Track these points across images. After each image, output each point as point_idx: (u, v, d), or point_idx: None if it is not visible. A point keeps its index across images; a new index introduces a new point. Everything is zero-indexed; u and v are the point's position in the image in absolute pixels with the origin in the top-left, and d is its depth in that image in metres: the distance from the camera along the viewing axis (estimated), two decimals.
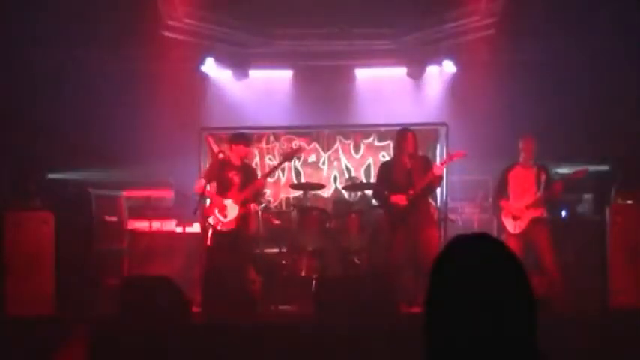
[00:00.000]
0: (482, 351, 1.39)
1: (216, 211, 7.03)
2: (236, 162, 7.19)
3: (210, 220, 7.03)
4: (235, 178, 7.10)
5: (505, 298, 1.41)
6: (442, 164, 7.13)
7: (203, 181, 7.04)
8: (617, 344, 5.68)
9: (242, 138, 7.27)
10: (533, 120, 8.15)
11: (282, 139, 9.13)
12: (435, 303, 1.46)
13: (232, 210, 7.02)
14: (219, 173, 7.12)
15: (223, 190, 7.11)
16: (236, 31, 9.16)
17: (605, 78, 8.30)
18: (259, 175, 7.78)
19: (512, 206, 7.07)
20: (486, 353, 1.39)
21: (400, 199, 6.80)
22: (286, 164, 9.10)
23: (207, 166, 7.31)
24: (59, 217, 7.02)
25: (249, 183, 7.11)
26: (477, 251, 1.47)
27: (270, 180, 9.15)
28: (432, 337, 1.44)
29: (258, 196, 7.45)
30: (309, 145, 9.15)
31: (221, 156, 7.25)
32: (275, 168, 8.05)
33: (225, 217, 7.00)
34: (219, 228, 7.00)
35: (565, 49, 8.73)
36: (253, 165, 8.93)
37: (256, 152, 9.16)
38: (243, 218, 7.11)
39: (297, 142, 9.09)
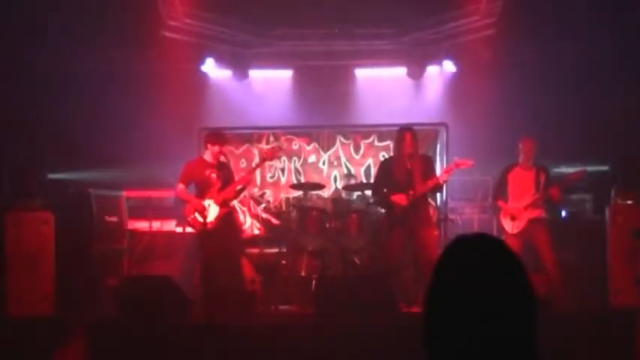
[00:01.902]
0: (483, 351, 1.39)
1: (196, 212, 6.86)
2: (214, 161, 7.01)
3: (190, 221, 6.93)
4: (215, 177, 6.94)
5: (505, 298, 1.42)
6: (446, 172, 6.91)
7: (181, 186, 6.98)
8: (617, 344, 5.68)
9: (219, 138, 7.07)
10: (532, 120, 8.15)
11: (282, 139, 9.13)
12: (435, 303, 1.46)
13: (213, 210, 6.86)
14: (198, 174, 7.03)
15: (204, 190, 6.96)
16: (236, 31, 9.16)
17: (604, 78, 8.30)
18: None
19: (510, 206, 7.06)
20: (486, 353, 1.39)
21: (400, 199, 6.78)
22: (286, 164, 9.12)
23: (183, 168, 7.10)
24: (59, 217, 7.02)
25: (229, 182, 6.97)
26: (478, 251, 1.47)
27: (270, 180, 9.16)
28: (432, 337, 1.44)
29: (239, 194, 7.28)
30: (309, 145, 9.16)
31: (207, 158, 7.09)
32: (255, 169, 7.92)
33: (205, 217, 6.83)
34: (201, 229, 6.87)
35: (565, 49, 8.73)
36: (253, 165, 8.94)
37: (256, 152, 9.16)
38: (225, 217, 6.93)
39: (297, 142, 9.10)
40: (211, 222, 6.84)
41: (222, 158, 7.19)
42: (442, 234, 7.67)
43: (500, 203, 7.16)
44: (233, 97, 9.56)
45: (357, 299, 6.00)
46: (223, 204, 6.92)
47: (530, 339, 1.42)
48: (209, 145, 7.02)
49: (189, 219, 6.93)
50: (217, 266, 6.85)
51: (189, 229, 8.07)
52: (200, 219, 6.85)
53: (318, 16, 8.73)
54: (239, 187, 7.07)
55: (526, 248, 6.88)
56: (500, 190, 7.24)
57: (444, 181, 6.91)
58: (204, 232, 6.87)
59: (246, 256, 7.62)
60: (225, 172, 7.07)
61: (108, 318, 6.30)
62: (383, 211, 7.36)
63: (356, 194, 8.46)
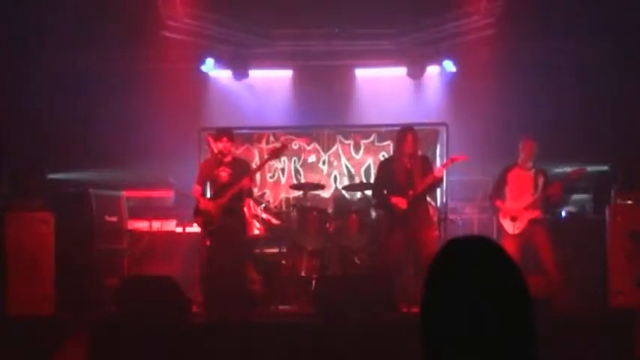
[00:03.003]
0: (483, 352, 1.39)
1: (205, 210, 6.88)
2: (224, 158, 7.00)
3: (195, 220, 6.98)
4: (223, 174, 6.93)
5: (500, 299, 1.42)
6: (443, 167, 7.09)
7: (197, 187, 7.03)
8: (617, 344, 5.69)
9: (221, 133, 7.04)
10: (532, 120, 8.16)
11: (282, 139, 9.13)
12: (430, 304, 1.47)
13: (219, 209, 6.85)
14: (210, 172, 7.04)
15: (214, 188, 7.00)
16: (236, 31, 9.16)
17: (605, 78, 8.30)
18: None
19: (510, 207, 7.06)
20: (487, 354, 1.39)
21: (401, 202, 6.78)
22: (286, 164, 9.12)
23: (198, 169, 7.16)
24: (59, 217, 7.01)
25: (237, 179, 6.87)
26: (472, 253, 1.48)
27: (270, 180, 9.16)
28: (429, 339, 1.45)
29: (248, 193, 7.26)
30: (309, 145, 9.15)
31: (213, 155, 7.12)
32: (260, 166, 7.91)
33: (213, 216, 6.86)
34: (208, 227, 6.90)
35: (564, 49, 8.74)
36: (253, 165, 8.92)
37: (256, 152, 9.16)
38: (231, 216, 6.89)
39: (297, 142, 9.10)
40: (217, 220, 6.84)
41: (232, 154, 7.16)
42: (442, 234, 7.66)
43: (499, 203, 7.16)
44: (233, 97, 9.56)
45: (357, 299, 6.00)
46: (230, 202, 6.86)
47: (527, 340, 1.42)
48: (215, 144, 7.03)
49: (195, 218, 6.96)
50: (219, 265, 6.85)
51: (189, 229, 8.09)
52: (208, 218, 6.86)
53: (318, 16, 8.74)
54: (243, 186, 6.98)
55: (526, 249, 6.88)
56: (498, 190, 7.23)
57: (441, 176, 6.97)
58: (209, 231, 6.89)
59: (247, 256, 7.62)
60: (238, 169, 7.00)
61: (108, 318, 6.30)
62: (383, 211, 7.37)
63: (356, 194, 8.47)
